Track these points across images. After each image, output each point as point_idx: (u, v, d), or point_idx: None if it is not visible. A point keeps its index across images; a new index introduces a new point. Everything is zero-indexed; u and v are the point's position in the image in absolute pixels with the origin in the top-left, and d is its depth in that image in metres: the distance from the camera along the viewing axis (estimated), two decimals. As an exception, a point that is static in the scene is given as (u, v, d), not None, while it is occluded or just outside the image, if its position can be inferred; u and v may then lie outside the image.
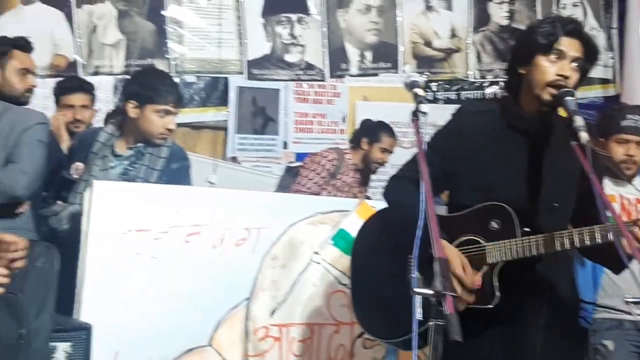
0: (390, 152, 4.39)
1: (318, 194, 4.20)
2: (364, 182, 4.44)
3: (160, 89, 3.08)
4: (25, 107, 3.05)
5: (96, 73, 4.68)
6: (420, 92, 1.92)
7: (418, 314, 1.57)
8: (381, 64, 5.20)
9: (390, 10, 5.21)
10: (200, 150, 4.81)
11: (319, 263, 3.17)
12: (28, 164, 2.80)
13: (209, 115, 4.94)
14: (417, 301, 1.58)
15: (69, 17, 4.66)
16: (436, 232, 1.61)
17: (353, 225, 2.98)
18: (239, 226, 3.01)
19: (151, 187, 3.01)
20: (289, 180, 4.49)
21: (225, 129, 4.97)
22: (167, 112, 3.10)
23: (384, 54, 5.20)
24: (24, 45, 3.11)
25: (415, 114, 1.86)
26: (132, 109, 3.10)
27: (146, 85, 3.09)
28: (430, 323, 1.59)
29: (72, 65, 4.67)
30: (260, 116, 5.03)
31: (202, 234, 2.96)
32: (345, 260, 3.00)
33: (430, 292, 1.56)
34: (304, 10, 5.05)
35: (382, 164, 4.39)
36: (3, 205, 2.76)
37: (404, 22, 5.22)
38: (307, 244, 3.13)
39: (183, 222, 2.94)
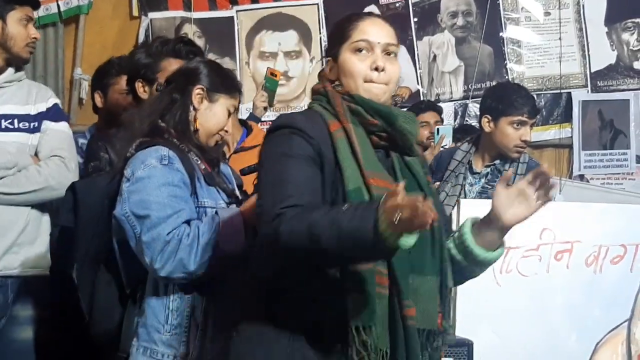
0: None
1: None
2: None
3: (515, 100, 3.09)
4: None
5: (437, 101, 4.81)
6: None
7: None
8: None
9: None
10: (543, 169, 4.68)
11: None
12: None
13: (552, 133, 4.79)
14: None
15: (410, 50, 4.89)
16: None
17: None
18: (614, 243, 2.86)
19: (517, 204, 2.99)
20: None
21: (569, 146, 4.78)
22: (522, 123, 3.09)
23: None
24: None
25: None
26: (486, 124, 3.14)
27: (500, 98, 3.12)
28: None
29: (415, 95, 4.88)
30: (608, 130, 4.75)
31: (574, 251, 2.86)
32: None
33: None
34: (653, 12, 4.69)
35: None
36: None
37: None
38: (692, 260, 2.86)
39: (552, 239, 2.87)
